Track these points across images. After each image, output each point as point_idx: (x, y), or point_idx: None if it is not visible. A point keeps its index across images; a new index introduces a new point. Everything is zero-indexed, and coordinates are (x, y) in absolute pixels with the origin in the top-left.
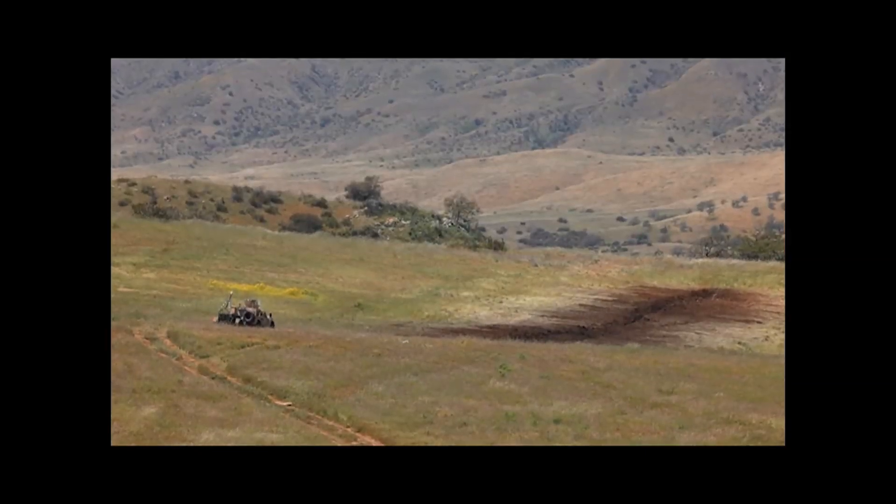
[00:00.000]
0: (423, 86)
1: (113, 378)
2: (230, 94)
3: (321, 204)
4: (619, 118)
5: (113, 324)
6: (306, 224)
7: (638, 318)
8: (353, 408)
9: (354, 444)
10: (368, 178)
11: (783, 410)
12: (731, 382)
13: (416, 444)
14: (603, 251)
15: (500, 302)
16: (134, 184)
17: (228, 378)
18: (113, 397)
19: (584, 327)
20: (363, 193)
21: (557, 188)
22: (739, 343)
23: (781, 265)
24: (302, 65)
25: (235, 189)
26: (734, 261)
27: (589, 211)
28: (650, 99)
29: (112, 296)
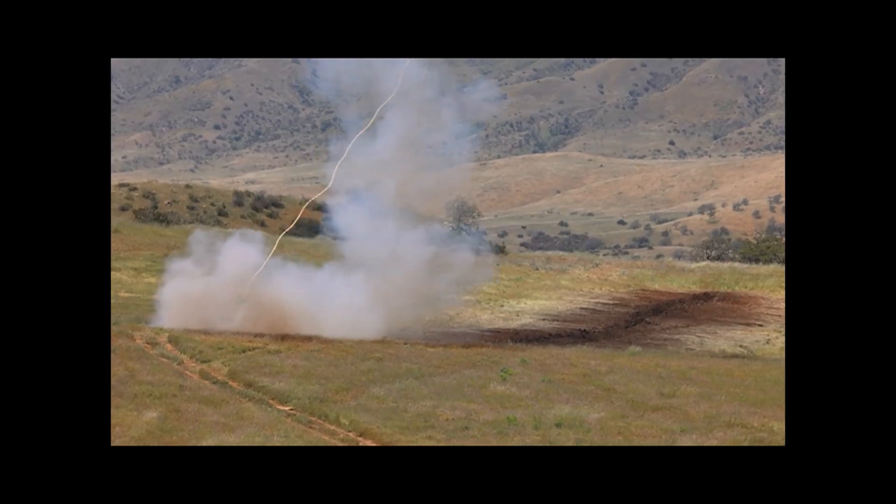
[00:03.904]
0: None
1: (114, 383)
2: (231, 98)
3: (322, 208)
4: (619, 121)
5: (114, 329)
6: (307, 228)
7: (639, 321)
8: (355, 412)
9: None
10: (370, 183)
11: (784, 413)
12: (732, 385)
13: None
14: (604, 254)
15: (501, 306)
16: (135, 188)
17: (230, 383)
18: (114, 402)
19: (585, 331)
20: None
21: (558, 191)
22: (741, 346)
23: (782, 268)
24: (302, 69)
25: (236, 193)
26: (735, 264)
27: (590, 214)
28: (651, 102)
29: (113, 301)
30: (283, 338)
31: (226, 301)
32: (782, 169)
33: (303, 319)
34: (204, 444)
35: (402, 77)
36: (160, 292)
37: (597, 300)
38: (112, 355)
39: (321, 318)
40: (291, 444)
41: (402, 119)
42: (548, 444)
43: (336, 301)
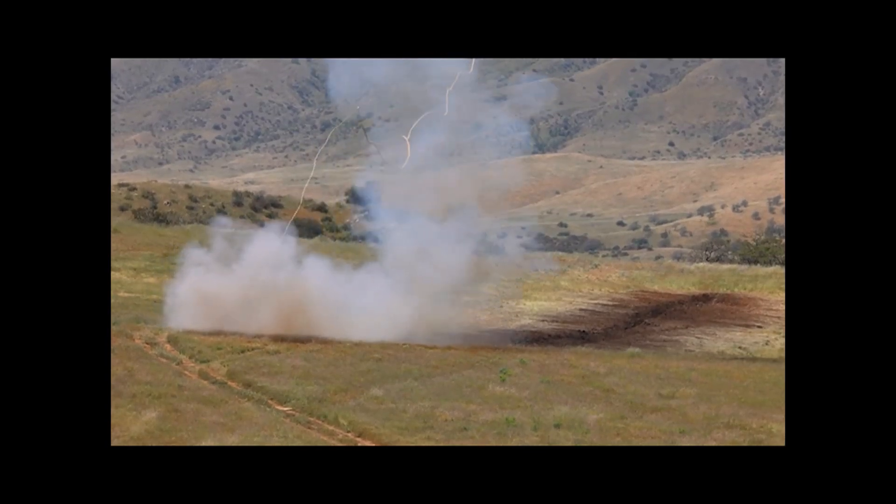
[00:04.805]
0: None
1: (113, 383)
2: (230, 98)
3: (321, 208)
4: (619, 122)
5: (113, 329)
6: (307, 228)
7: (638, 322)
8: (354, 413)
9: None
10: (369, 183)
11: (784, 415)
12: (731, 387)
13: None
14: (603, 256)
15: (501, 306)
16: (134, 188)
17: (229, 383)
18: (113, 402)
19: (584, 332)
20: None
21: (558, 192)
22: (740, 347)
23: (782, 270)
24: (302, 69)
25: (236, 194)
26: (734, 265)
27: (589, 215)
28: (650, 103)
29: (112, 301)
30: (282, 338)
31: (254, 299)
32: (782, 170)
33: (335, 322)
34: (203, 444)
35: (457, 77)
36: (176, 288)
37: (596, 301)
38: (111, 355)
39: (359, 322)
40: (290, 445)
41: (445, 120)
42: (546, 445)
43: (379, 304)
